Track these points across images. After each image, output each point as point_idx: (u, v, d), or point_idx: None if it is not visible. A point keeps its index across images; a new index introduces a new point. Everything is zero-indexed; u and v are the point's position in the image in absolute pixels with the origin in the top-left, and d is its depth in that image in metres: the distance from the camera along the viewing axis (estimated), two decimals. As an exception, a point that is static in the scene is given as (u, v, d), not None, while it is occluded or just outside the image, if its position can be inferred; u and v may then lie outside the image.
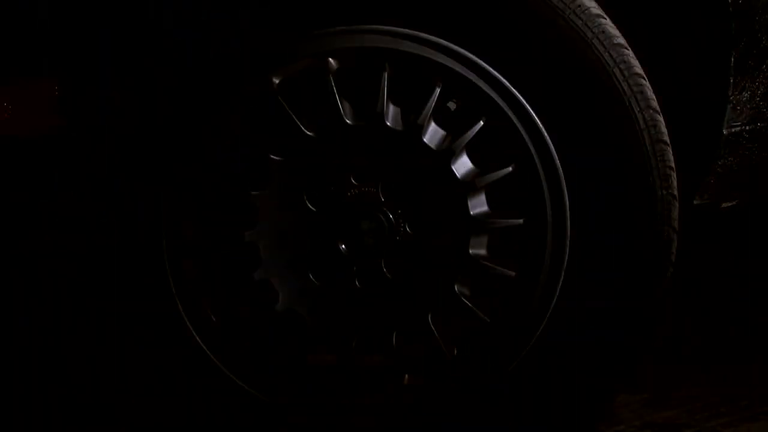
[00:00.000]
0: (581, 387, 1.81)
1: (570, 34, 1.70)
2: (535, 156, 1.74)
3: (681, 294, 2.74)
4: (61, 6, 1.64)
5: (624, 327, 1.79)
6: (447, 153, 1.74)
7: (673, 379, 2.33)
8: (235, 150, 1.72)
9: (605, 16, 1.73)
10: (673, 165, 1.76)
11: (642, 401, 2.21)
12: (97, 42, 1.65)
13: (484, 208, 1.78)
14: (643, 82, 1.74)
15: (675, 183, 1.76)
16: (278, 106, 1.71)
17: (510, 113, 1.73)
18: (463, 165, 1.76)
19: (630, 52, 1.73)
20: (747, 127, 1.91)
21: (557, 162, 1.74)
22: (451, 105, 1.78)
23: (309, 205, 1.74)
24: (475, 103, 1.75)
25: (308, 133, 1.72)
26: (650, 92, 1.74)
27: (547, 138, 1.73)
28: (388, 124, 1.73)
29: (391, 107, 1.75)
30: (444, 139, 1.76)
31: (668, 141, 1.75)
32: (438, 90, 1.73)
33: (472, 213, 1.75)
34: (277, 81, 1.72)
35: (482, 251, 1.78)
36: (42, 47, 1.64)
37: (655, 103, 1.74)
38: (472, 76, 1.72)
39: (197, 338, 1.75)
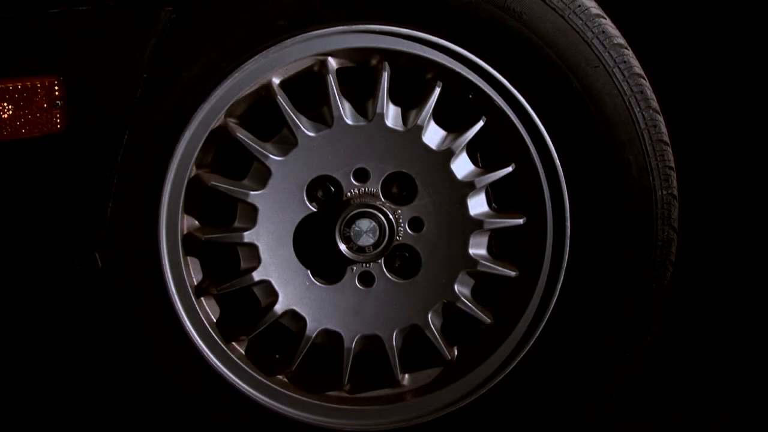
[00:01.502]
0: (581, 388, 1.81)
1: (570, 34, 1.70)
2: (535, 156, 1.75)
3: (681, 294, 2.74)
4: (62, 5, 1.64)
5: (624, 327, 1.79)
6: (447, 153, 1.74)
7: (674, 379, 2.33)
8: (235, 150, 1.72)
9: (605, 16, 1.73)
10: (673, 165, 1.76)
11: (642, 402, 2.21)
12: (97, 42, 1.65)
13: (484, 208, 1.78)
14: (643, 82, 1.74)
15: (675, 183, 1.76)
16: (278, 107, 1.71)
17: (510, 113, 1.73)
18: (463, 165, 1.76)
19: (630, 52, 1.74)
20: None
21: (557, 162, 1.74)
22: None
23: (309, 205, 1.74)
24: (474, 103, 1.75)
25: (309, 133, 1.72)
26: (650, 92, 1.74)
27: (547, 138, 1.73)
28: (388, 124, 1.73)
29: (391, 107, 1.75)
30: (444, 139, 1.76)
31: (668, 141, 1.76)
32: (438, 90, 1.73)
33: (472, 213, 1.75)
34: (277, 81, 1.72)
35: (482, 251, 1.79)
36: (42, 47, 1.64)
37: (655, 103, 1.74)
38: (472, 76, 1.72)
39: (197, 338, 1.75)
